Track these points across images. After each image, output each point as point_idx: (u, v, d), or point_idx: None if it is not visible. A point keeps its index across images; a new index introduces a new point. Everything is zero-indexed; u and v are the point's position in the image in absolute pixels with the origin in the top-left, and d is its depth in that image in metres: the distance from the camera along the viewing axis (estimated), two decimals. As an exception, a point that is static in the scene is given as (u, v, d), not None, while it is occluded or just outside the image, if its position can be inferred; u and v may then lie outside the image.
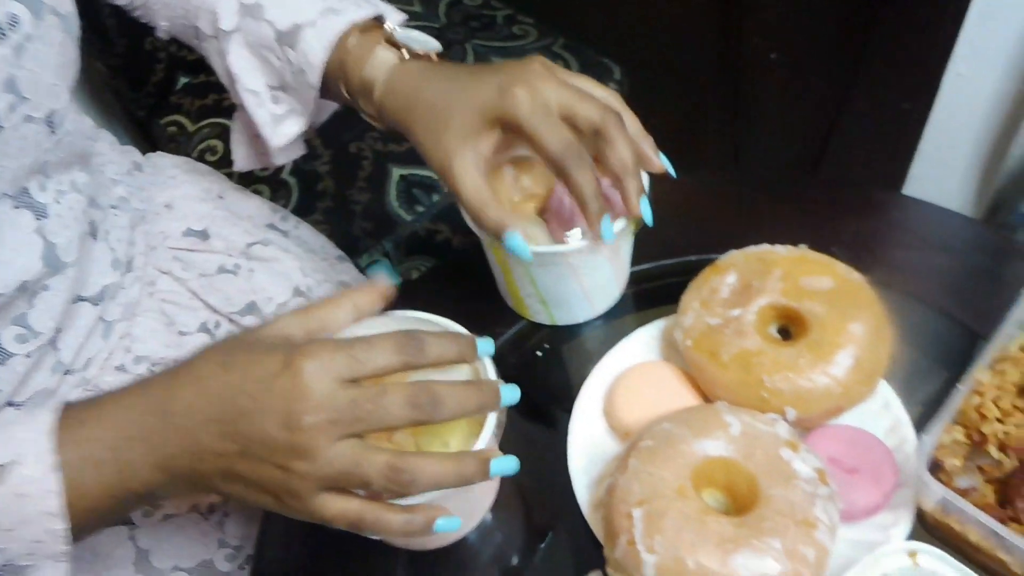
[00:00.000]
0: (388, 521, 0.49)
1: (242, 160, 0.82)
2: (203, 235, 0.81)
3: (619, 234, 0.63)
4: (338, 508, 0.48)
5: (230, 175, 1.20)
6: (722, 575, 0.50)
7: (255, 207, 0.92)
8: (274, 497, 0.48)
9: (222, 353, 0.49)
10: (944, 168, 1.30)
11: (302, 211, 1.20)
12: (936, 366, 0.66)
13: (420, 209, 1.21)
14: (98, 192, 0.70)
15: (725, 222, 0.79)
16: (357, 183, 1.23)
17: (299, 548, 0.65)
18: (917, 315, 0.69)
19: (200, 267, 0.79)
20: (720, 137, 0.75)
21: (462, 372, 0.56)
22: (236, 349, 0.49)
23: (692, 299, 0.64)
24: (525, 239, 0.66)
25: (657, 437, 0.57)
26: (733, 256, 0.65)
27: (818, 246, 0.65)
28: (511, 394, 0.52)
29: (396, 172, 1.24)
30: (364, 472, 0.46)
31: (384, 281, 0.54)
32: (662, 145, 0.63)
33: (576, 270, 0.66)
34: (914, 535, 0.56)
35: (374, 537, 0.55)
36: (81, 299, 0.66)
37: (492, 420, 0.54)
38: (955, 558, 0.52)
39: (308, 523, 0.49)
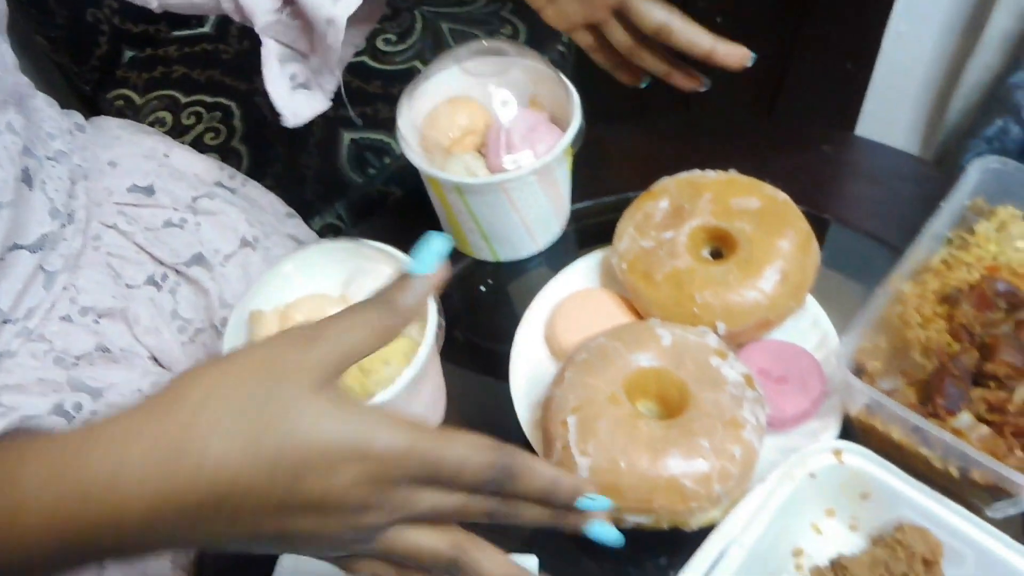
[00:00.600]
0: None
1: (288, 102, 0.74)
2: (148, 191, 0.81)
3: (551, 162, 0.64)
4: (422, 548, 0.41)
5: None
6: (652, 474, 0.51)
7: (202, 166, 0.92)
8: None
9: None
10: (888, 126, 1.32)
11: (255, 177, 1.20)
12: (865, 287, 0.68)
13: (372, 172, 1.21)
14: (34, 141, 0.69)
15: (669, 161, 0.80)
16: (308, 148, 1.23)
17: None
18: (847, 240, 0.71)
19: (146, 221, 0.79)
20: (669, 90, 0.77)
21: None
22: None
23: (627, 225, 0.66)
24: (466, 173, 0.67)
25: (592, 351, 0.58)
26: (665, 182, 0.67)
27: (760, 179, 0.66)
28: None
29: (347, 136, 1.24)
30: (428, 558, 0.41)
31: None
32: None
33: (514, 201, 0.67)
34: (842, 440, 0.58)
35: None
36: (18, 247, 0.65)
37: (431, 337, 0.55)
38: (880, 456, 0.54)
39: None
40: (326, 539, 0.38)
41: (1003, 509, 0.53)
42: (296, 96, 0.73)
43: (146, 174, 0.81)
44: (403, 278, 0.42)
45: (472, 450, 0.39)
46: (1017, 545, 0.49)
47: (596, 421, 0.53)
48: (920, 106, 1.29)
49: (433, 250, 0.43)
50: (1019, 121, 1.18)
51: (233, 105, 1.29)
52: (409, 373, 0.53)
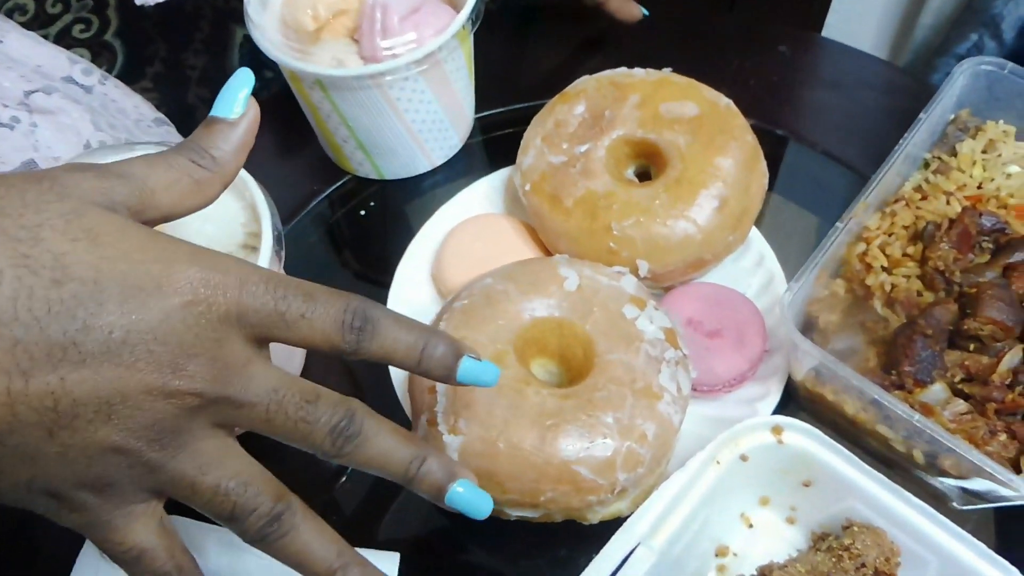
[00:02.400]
0: None
1: None
2: None
3: (439, 50, 0.50)
4: (142, 541, 0.31)
5: (44, 37, 1.02)
6: (538, 459, 0.39)
7: (47, 56, 0.77)
8: (58, 499, 0.30)
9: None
10: (854, 42, 1.21)
11: (127, 78, 1.04)
12: (823, 220, 0.56)
13: (268, 75, 1.05)
14: None
15: (599, 61, 0.66)
16: (193, 45, 1.07)
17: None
18: (803, 160, 0.59)
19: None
20: None
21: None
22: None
23: (534, 136, 0.53)
24: (332, 63, 0.53)
25: (475, 295, 0.45)
26: (584, 82, 0.53)
27: (703, 81, 0.53)
28: None
29: (240, 32, 1.07)
30: (241, 504, 0.30)
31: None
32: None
33: (393, 102, 0.53)
34: (785, 411, 0.47)
35: None
36: None
37: (269, 241, 0.42)
38: (828, 435, 0.42)
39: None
40: (111, 419, 0.28)
41: (975, 502, 0.43)
42: None
43: None
44: (207, 123, 0.34)
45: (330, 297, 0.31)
46: (991, 554, 0.39)
47: (471, 388, 0.41)
48: (888, 20, 1.17)
49: (234, 89, 0.34)
50: (996, 35, 1.06)
51: (108, -9, 1.11)
52: None
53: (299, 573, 0.32)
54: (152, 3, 0.72)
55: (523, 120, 0.56)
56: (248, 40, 1.07)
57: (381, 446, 0.32)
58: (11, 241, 0.27)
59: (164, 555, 0.31)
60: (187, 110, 1.05)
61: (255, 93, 0.35)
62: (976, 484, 0.41)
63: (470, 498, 0.33)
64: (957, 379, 0.43)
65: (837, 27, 1.20)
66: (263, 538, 0.31)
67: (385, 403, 0.50)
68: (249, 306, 0.30)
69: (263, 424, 0.31)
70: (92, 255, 0.28)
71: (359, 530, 0.47)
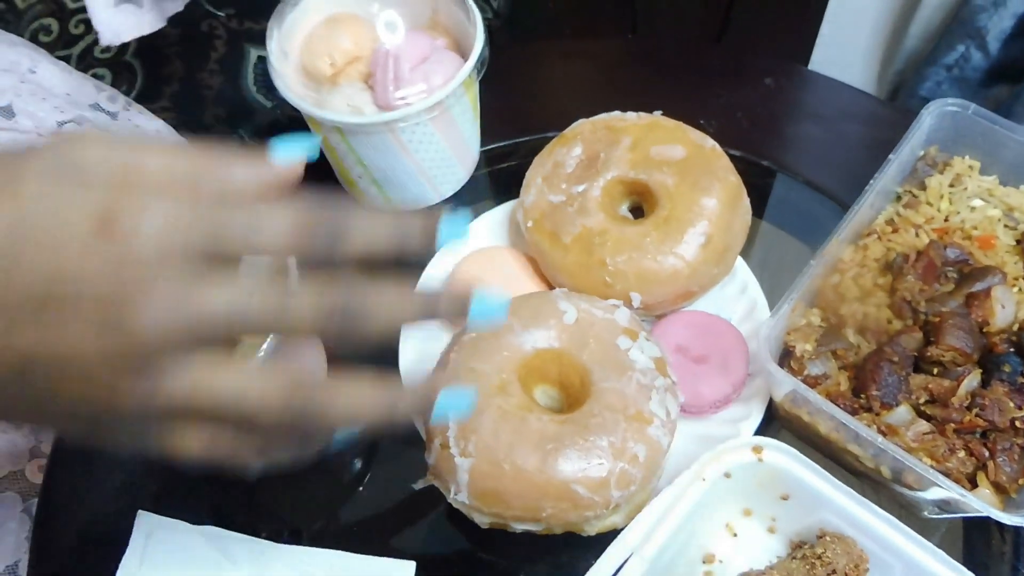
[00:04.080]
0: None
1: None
2: (7, 112, 0.71)
3: (447, 98, 0.54)
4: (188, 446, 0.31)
5: (67, 57, 1.06)
6: (540, 479, 0.44)
7: (75, 84, 0.81)
8: (87, 423, 0.31)
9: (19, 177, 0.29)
10: (844, 52, 1.24)
11: (146, 98, 1.08)
12: (808, 247, 0.60)
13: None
14: None
15: (600, 95, 0.70)
16: (209, 65, 1.10)
17: (102, 456, 0.57)
18: (788, 191, 0.63)
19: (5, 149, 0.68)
20: (615, 13, 0.68)
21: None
22: (41, 174, 0.28)
23: (535, 175, 0.57)
24: (348, 109, 0.57)
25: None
26: (580, 125, 0.58)
27: (695, 117, 0.57)
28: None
29: (254, 53, 1.11)
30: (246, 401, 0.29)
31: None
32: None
33: (405, 145, 0.58)
34: (767, 429, 0.52)
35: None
36: None
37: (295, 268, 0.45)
38: (805, 453, 0.47)
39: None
40: (73, 366, 0.27)
41: (939, 513, 0.47)
42: (121, 10, 0.61)
43: (3, 91, 0.71)
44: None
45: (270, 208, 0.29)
46: (948, 559, 0.43)
47: (480, 415, 0.45)
48: (878, 31, 1.21)
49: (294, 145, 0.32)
50: (982, 47, 1.10)
51: (127, 14, 1.15)
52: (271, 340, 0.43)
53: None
54: (118, 42, 0.73)
55: (525, 152, 0.61)
56: (261, 61, 1.11)
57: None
58: None
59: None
60: (204, 129, 1.10)
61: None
62: (936, 495, 0.46)
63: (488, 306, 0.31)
64: (922, 400, 0.48)
65: (830, 36, 1.24)
66: (298, 417, 0.30)
67: (404, 430, 0.54)
68: (189, 227, 0.28)
69: (241, 325, 0.28)
70: (9, 216, 0.27)
71: (375, 539, 0.51)
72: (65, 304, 0.27)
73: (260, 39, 1.11)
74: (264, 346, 0.43)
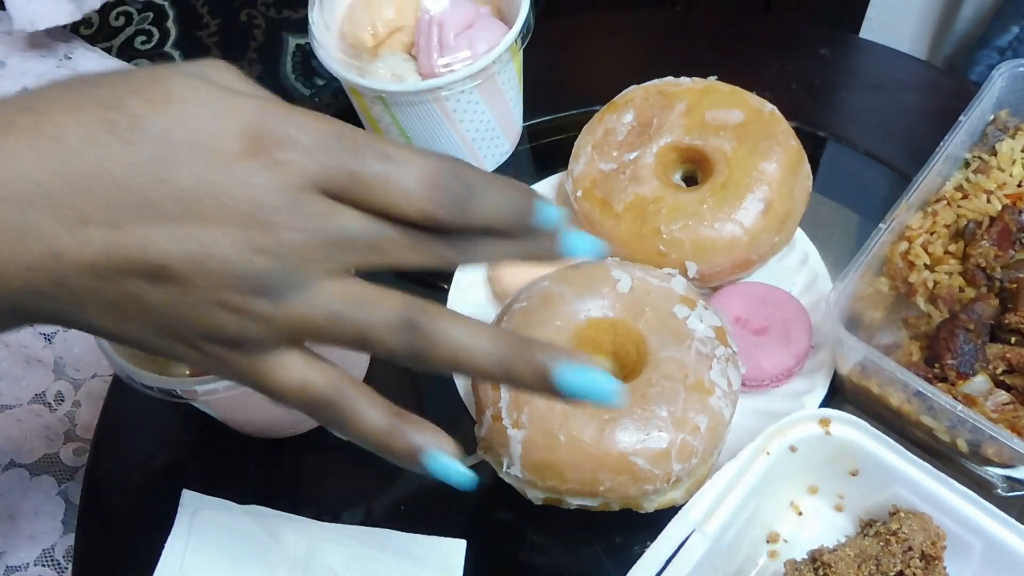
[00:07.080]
0: (365, 417, 0.31)
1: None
2: None
3: (492, 64, 0.53)
4: (301, 377, 0.30)
5: (108, 49, 1.06)
6: (597, 451, 0.42)
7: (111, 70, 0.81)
8: (196, 350, 0.30)
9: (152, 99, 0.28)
10: (892, 36, 1.20)
11: (186, 87, 1.08)
12: (865, 219, 0.58)
13: (320, 82, 1.09)
14: None
15: (646, 67, 0.68)
16: (248, 55, 1.10)
17: (145, 437, 0.56)
18: (845, 161, 0.61)
19: None
20: None
21: None
22: (190, 79, 0.28)
23: (585, 143, 0.55)
24: (391, 78, 0.56)
25: (534, 297, 0.48)
26: (632, 92, 0.56)
27: (747, 88, 0.55)
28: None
29: (292, 41, 1.11)
30: (367, 320, 0.29)
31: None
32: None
33: (449, 114, 0.56)
34: (830, 404, 0.49)
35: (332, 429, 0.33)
36: None
37: None
38: (874, 426, 0.45)
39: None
40: (206, 277, 0.27)
41: (1019, 489, 0.44)
42: None
43: (38, 77, 0.71)
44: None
45: (415, 157, 0.28)
46: (1035, 536, 0.41)
47: (533, 385, 0.44)
48: (926, 14, 1.17)
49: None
50: (1037, 28, 1.06)
51: (166, 5, 1.16)
52: None
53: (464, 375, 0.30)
54: (32, 29, 0.72)
55: (569, 127, 0.59)
56: (300, 49, 1.11)
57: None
58: (100, 107, 0.27)
59: (321, 382, 0.30)
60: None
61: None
62: (1019, 472, 0.43)
63: (582, 381, 0.29)
64: (999, 371, 0.45)
65: (877, 20, 1.20)
66: (412, 352, 0.29)
67: (449, 403, 0.53)
68: (324, 165, 0.27)
69: (369, 254, 0.28)
70: (166, 117, 0.27)
71: (427, 519, 0.50)
72: (210, 214, 0.27)
73: (298, 28, 1.11)
74: None
